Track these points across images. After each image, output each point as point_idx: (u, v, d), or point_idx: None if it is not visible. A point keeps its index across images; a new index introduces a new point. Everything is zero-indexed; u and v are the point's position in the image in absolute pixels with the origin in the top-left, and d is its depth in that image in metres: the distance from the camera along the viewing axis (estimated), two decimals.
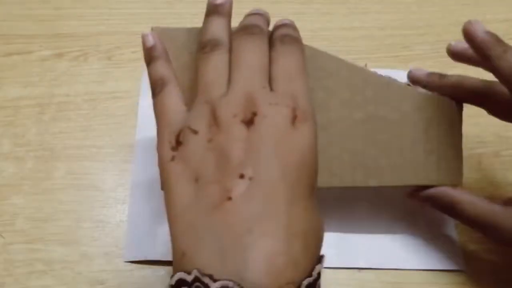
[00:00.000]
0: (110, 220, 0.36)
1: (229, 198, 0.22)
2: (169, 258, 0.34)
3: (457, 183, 0.33)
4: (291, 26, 0.29)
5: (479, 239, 0.36)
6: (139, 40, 0.45)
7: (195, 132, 0.24)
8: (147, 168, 0.37)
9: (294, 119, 0.24)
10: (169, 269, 0.34)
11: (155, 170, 0.38)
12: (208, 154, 0.23)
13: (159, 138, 0.25)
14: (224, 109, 0.24)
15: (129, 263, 0.34)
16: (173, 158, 0.24)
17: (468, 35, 0.31)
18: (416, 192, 0.33)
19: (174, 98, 0.26)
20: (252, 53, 0.25)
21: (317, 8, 0.49)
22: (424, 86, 0.34)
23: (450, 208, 0.32)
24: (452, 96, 0.33)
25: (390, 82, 0.33)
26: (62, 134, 0.39)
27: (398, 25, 0.49)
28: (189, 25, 0.47)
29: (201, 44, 0.27)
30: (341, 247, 0.35)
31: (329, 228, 0.35)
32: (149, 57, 0.29)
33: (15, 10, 0.47)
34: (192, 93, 0.26)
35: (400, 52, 0.47)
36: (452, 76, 0.34)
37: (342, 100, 0.31)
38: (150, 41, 0.29)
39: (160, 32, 0.31)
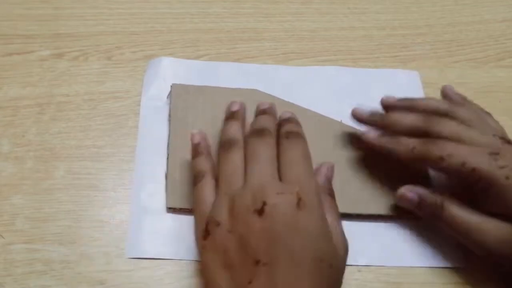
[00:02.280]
0: (110, 220, 0.36)
1: (250, 282, 0.26)
2: (170, 256, 0.34)
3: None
4: (294, 121, 0.34)
5: None
6: (139, 40, 0.45)
7: (218, 223, 0.28)
8: (148, 166, 0.37)
9: (299, 202, 0.28)
10: (169, 269, 0.34)
11: (156, 169, 0.38)
12: (230, 244, 0.28)
13: (196, 225, 0.31)
14: (239, 201, 0.28)
15: (129, 263, 0.34)
16: (204, 247, 0.29)
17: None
18: (405, 194, 0.34)
19: (209, 189, 0.31)
20: (263, 150, 0.31)
21: (317, 8, 0.50)
22: (367, 124, 0.38)
23: (439, 211, 0.33)
24: (394, 132, 0.36)
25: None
26: (62, 134, 0.39)
27: (398, 25, 0.49)
28: (188, 25, 0.47)
29: (221, 143, 0.33)
30: None
31: None
32: (195, 151, 0.34)
33: (15, 10, 0.46)
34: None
35: (400, 52, 0.47)
36: (391, 116, 0.37)
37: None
38: (197, 138, 0.34)
39: (178, 87, 0.40)
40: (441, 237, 0.36)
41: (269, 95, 0.41)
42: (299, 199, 0.28)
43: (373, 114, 0.37)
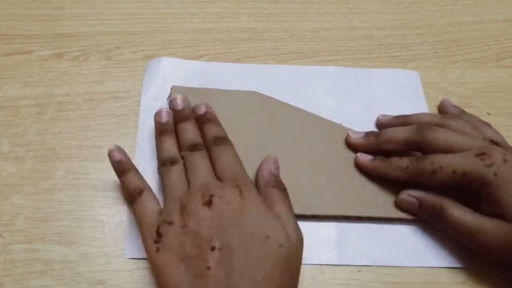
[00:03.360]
0: (110, 220, 0.36)
1: (208, 268, 0.28)
2: None
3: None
4: (213, 119, 0.38)
5: None
6: (139, 40, 0.45)
7: (171, 223, 0.30)
8: (147, 166, 0.37)
9: (240, 192, 0.31)
10: None
11: (155, 169, 0.38)
12: (185, 237, 0.30)
13: (143, 237, 0.31)
14: (189, 199, 0.31)
15: (129, 263, 0.34)
16: (158, 249, 0.30)
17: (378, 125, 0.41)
18: (405, 199, 0.36)
19: (150, 202, 0.33)
20: (199, 161, 0.34)
21: (317, 8, 0.50)
22: (363, 148, 0.39)
23: (439, 211, 0.34)
24: (387, 150, 0.37)
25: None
26: (62, 134, 0.39)
27: (398, 25, 0.49)
28: (188, 25, 0.47)
29: (161, 162, 0.35)
30: (342, 246, 0.35)
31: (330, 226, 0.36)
32: (120, 170, 0.35)
33: (15, 10, 0.47)
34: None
35: (400, 52, 0.47)
36: (385, 133, 0.38)
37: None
38: (117, 156, 0.35)
39: (178, 89, 0.40)
40: (441, 237, 0.36)
41: (268, 97, 0.41)
42: (240, 190, 0.31)
43: (368, 135, 0.38)
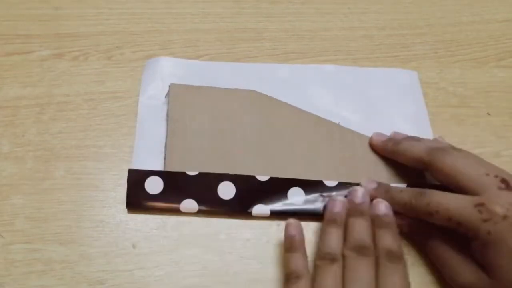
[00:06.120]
0: (110, 220, 0.36)
1: None
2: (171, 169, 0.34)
3: None
4: (392, 229, 0.33)
5: None
6: (139, 40, 0.45)
7: None
8: (146, 166, 0.37)
9: None
10: (169, 269, 0.34)
11: (153, 168, 0.37)
12: None
13: None
14: None
15: (129, 263, 0.34)
16: None
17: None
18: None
19: None
20: (363, 272, 0.31)
21: (317, 8, 0.50)
22: (379, 151, 0.39)
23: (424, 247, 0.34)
24: (401, 162, 0.37)
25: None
26: (62, 134, 0.39)
27: (398, 25, 0.49)
28: (188, 25, 0.47)
29: (321, 254, 0.32)
30: None
31: None
32: (290, 245, 0.33)
33: (15, 10, 0.47)
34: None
35: (400, 52, 0.47)
36: (403, 143, 0.37)
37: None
38: (292, 230, 0.33)
39: (177, 87, 0.40)
40: None
41: (267, 96, 0.41)
42: None
43: (388, 140, 0.38)
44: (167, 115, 0.40)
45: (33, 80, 0.42)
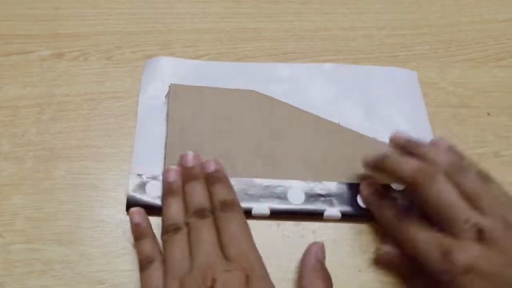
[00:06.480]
0: (110, 220, 0.36)
1: None
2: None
3: None
4: (223, 178, 0.34)
5: None
6: (139, 40, 0.45)
7: None
8: (145, 166, 0.37)
9: (247, 279, 0.28)
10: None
11: (153, 169, 0.37)
12: None
13: None
14: (189, 282, 0.29)
15: (129, 263, 0.34)
16: None
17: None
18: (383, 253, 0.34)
19: (156, 275, 0.31)
20: (205, 232, 0.31)
21: (317, 8, 0.50)
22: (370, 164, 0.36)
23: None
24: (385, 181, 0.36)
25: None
26: (62, 134, 0.39)
27: (398, 25, 0.49)
28: (188, 25, 0.47)
29: (165, 228, 0.32)
30: None
31: None
32: (137, 233, 0.33)
33: (15, 10, 0.47)
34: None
35: (400, 52, 0.47)
36: (391, 161, 0.34)
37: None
38: (136, 218, 0.33)
39: (176, 87, 0.40)
40: None
41: (266, 96, 0.41)
42: (247, 276, 0.29)
43: (382, 156, 0.35)
44: (167, 115, 0.40)
45: (33, 80, 0.42)
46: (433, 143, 0.35)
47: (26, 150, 0.38)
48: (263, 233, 0.36)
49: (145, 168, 0.37)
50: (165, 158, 0.37)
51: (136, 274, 0.33)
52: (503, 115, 0.43)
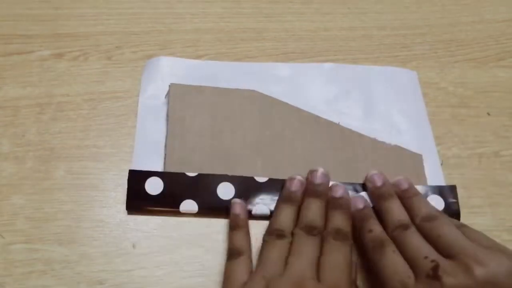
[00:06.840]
0: (110, 220, 0.36)
1: None
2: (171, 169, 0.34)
3: None
4: (344, 211, 0.34)
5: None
6: (139, 40, 0.45)
7: None
8: (146, 166, 0.37)
9: None
10: (169, 269, 0.34)
11: (153, 169, 0.37)
12: None
13: None
14: (277, 287, 0.29)
15: (129, 263, 0.34)
16: None
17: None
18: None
19: (241, 268, 0.32)
20: (309, 250, 0.31)
21: (317, 8, 0.50)
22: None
23: None
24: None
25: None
26: (62, 134, 0.39)
27: (398, 25, 0.49)
28: (188, 25, 0.47)
29: (270, 231, 0.33)
30: None
31: None
32: (235, 223, 0.34)
33: (15, 10, 0.47)
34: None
35: (400, 52, 0.47)
36: (388, 205, 0.35)
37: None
38: (237, 209, 0.34)
39: (177, 87, 0.40)
40: None
41: (267, 96, 0.41)
42: None
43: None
44: (167, 115, 0.40)
45: (33, 80, 0.42)
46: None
47: (26, 150, 0.38)
48: (263, 233, 0.36)
49: (145, 168, 0.37)
50: (165, 158, 0.38)
51: (136, 274, 0.34)
52: (503, 115, 0.43)
